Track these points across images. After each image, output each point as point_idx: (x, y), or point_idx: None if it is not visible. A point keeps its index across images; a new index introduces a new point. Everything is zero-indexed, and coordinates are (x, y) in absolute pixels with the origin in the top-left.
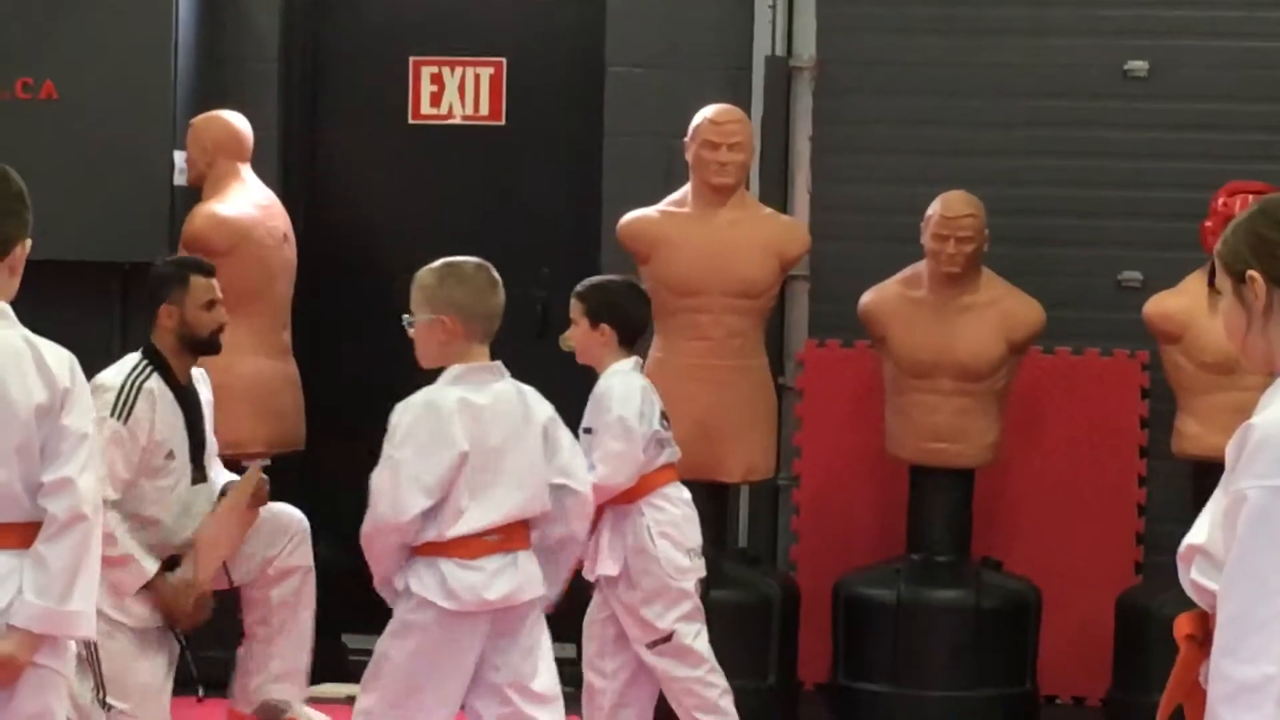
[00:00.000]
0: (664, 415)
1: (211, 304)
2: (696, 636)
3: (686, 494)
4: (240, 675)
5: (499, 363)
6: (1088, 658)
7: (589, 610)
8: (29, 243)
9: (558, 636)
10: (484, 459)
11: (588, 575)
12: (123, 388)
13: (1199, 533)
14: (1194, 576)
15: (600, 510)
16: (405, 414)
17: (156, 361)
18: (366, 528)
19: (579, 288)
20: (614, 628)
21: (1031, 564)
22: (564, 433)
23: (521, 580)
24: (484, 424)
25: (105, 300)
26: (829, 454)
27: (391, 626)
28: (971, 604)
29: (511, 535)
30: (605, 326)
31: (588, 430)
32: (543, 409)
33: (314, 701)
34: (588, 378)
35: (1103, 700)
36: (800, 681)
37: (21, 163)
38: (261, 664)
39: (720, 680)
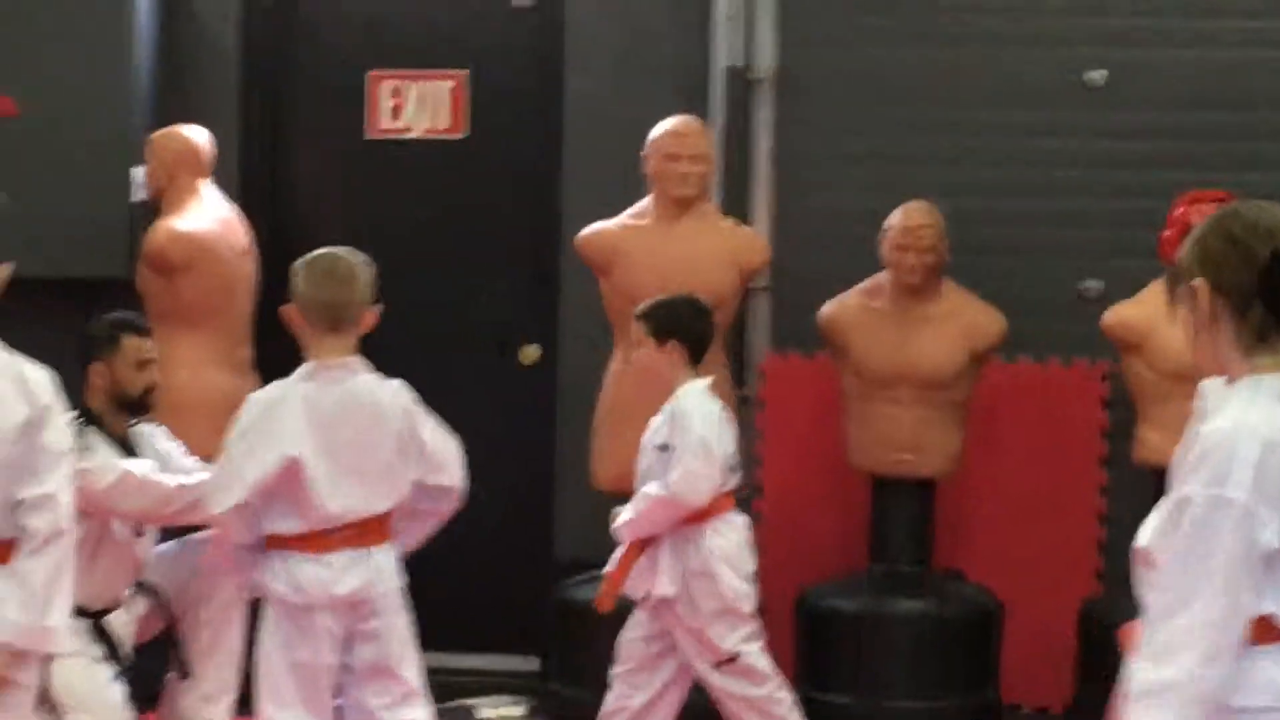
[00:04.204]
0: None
1: (143, 364)
2: (760, 655)
3: (743, 520)
4: (168, 699)
5: (356, 358)
6: (1050, 667)
7: (627, 628)
8: (9, 267)
9: (516, 650)
10: (334, 454)
11: (633, 594)
12: None
13: (1144, 534)
14: (1139, 585)
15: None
16: (248, 408)
17: (91, 419)
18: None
19: (641, 309)
20: (655, 646)
21: (993, 573)
22: (425, 427)
23: (373, 575)
24: (331, 420)
25: (64, 317)
26: (790, 465)
27: (262, 624)
28: (934, 614)
29: (366, 530)
30: (673, 344)
31: (663, 448)
32: (399, 403)
33: None
34: (546, 393)
35: (1065, 709)
36: None
37: None
38: (190, 686)
39: (787, 694)
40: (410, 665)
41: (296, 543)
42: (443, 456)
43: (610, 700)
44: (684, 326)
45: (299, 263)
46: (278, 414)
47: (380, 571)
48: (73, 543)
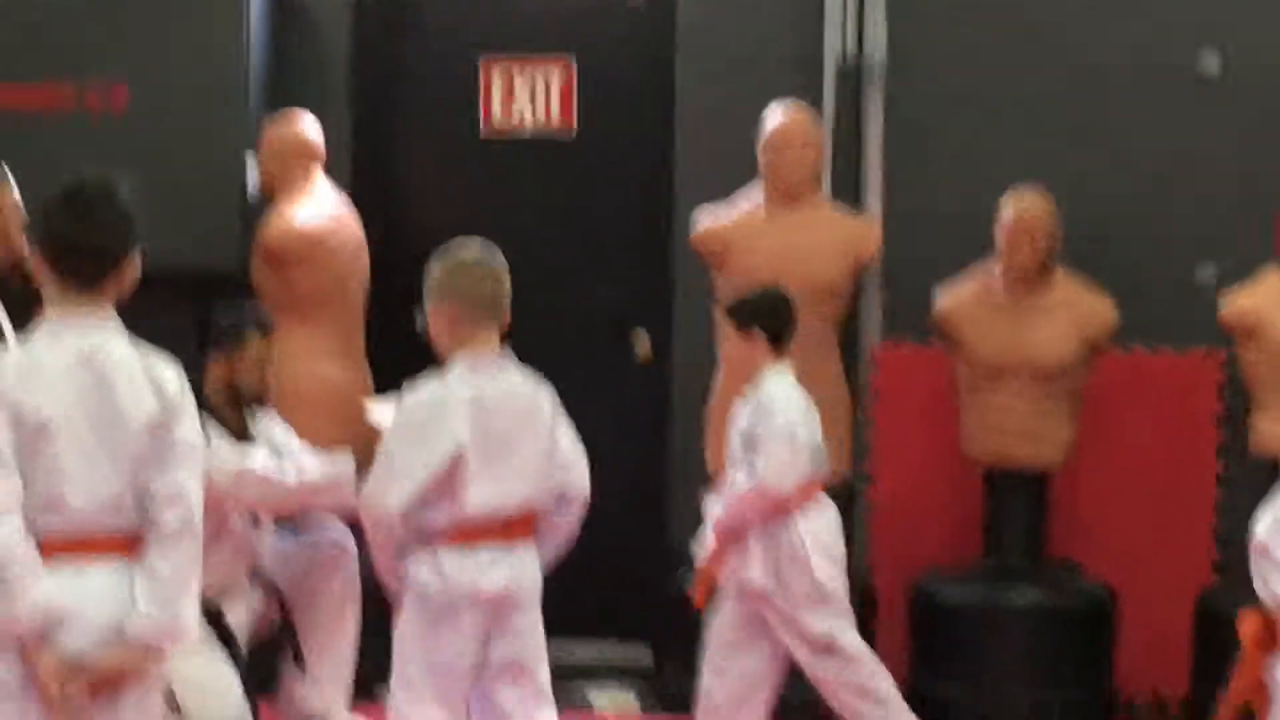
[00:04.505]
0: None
1: (262, 364)
2: (853, 637)
3: (832, 504)
4: (285, 690)
5: (508, 354)
6: (1166, 658)
7: (720, 614)
8: (136, 262)
9: (630, 638)
10: (488, 450)
11: (727, 582)
12: None
13: (1263, 525)
14: (1255, 574)
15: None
16: (408, 406)
17: (209, 410)
18: (363, 519)
19: (726, 303)
20: (744, 633)
21: (1108, 565)
22: (561, 431)
23: (517, 572)
24: (489, 415)
25: (179, 309)
26: (904, 455)
27: (401, 617)
28: (1048, 605)
29: (512, 527)
30: (755, 333)
31: (748, 435)
32: (547, 403)
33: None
34: (660, 386)
35: (1182, 701)
36: None
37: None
38: (307, 677)
39: (884, 671)
40: (543, 665)
41: (443, 536)
42: (572, 461)
43: (701, 689)
44: (764, 315)
45: (443, 260)
46: (442, 408)
47: (525, 568)
48: (200, 537)
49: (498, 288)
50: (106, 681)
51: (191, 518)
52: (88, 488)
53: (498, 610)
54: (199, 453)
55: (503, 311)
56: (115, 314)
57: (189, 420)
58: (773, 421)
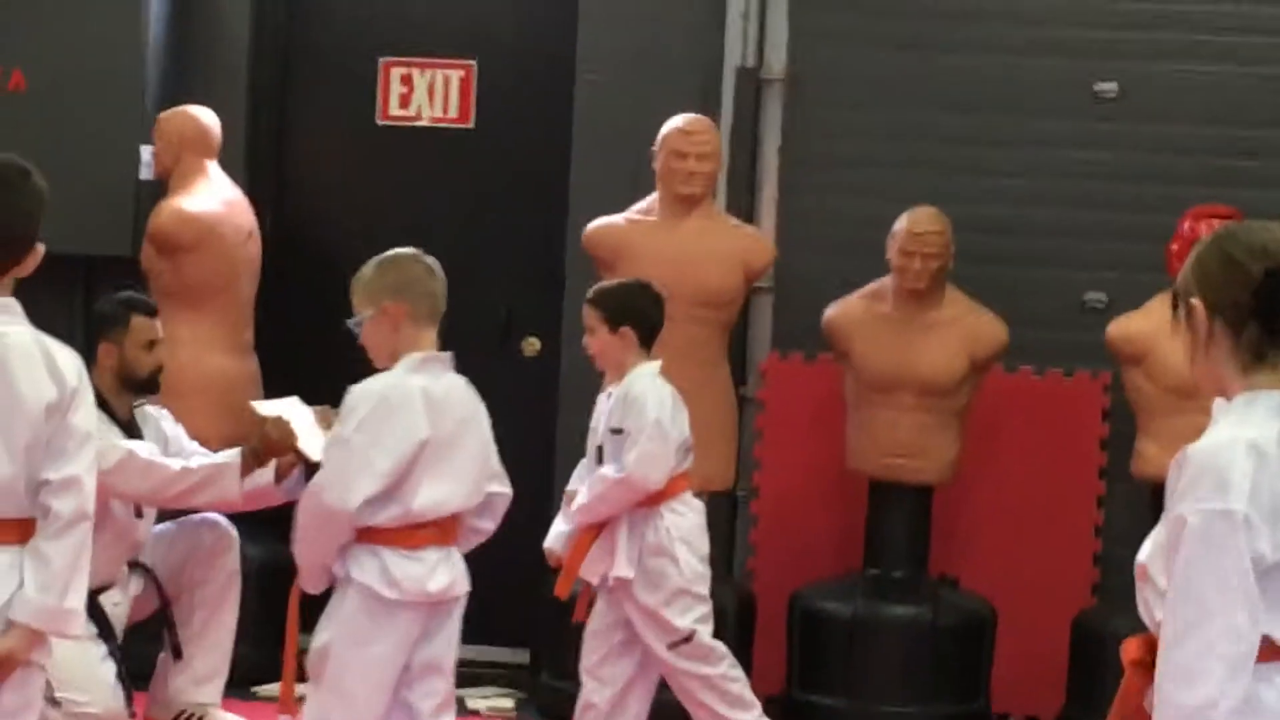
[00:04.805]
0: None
1: (151, 344)
2: (711, 638)
3: (699, 503)
4: (159, 680)
5: (449, 354)
6: (1042, 677)
7: (593, 618)
8: (40, 246)
9: (507, 641)
10: (438, 449)
11: (590, 577)
12: None
13: (1145, 550)
14: (1139, 599)
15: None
16: (363, 400)
17: (96, 399)
18: (306, 512)
19: (592, 293)
20: (620, 634)
21: (988, 582)
22: (489, 432)
23: (457, 574)
24: (439, 413)
25: (68, 294)
26: (789, 466)
27: (329, 616)
28: (927, 620)
29: (448, 528)
30: (626, 329)
31: (617, 431)
32: (480, 404)
33: (262, 700)
34: (547, 385)
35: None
36: (754, 693)
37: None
38: (181, 667)
39: (740, 673)
40: (453, 668)
41: (387, 536)
42: (501, 469)
43: (582, 695)
44: (637, 311)
45: (383, 260)
46: (398, 403)
47: (460, 570)
48: (91, 526)
49: (441, 287)
50: None
51: (85, 507)
52: None
53: (434, 612)
54: (94, 442)
55: (442, 311)
56: (14, 299)
57: (86, 409)
58: (643, 416)
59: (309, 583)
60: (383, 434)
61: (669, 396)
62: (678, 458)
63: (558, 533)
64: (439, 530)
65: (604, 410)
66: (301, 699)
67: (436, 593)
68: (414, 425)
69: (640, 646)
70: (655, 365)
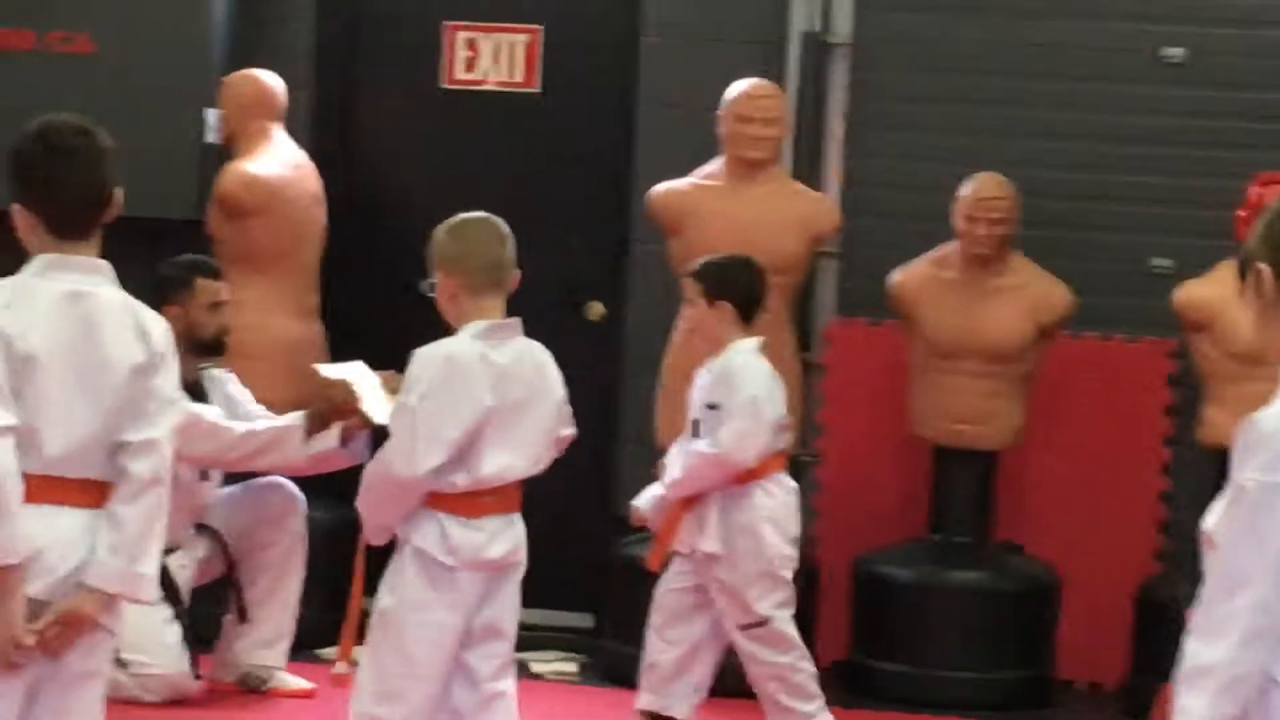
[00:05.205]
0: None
1: (216, 306)
2: (789, 622)
3: (793, 483)
4: (224, 643)
5: (517, 320)
6: (1105, 644)
7: (665, 580)
8: (118, 192)
9: (571, 605)
10: (504, 415)
11: (680, 547)
12: None
13: (1212, 518)
14: (1205, 568)
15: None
16: (427, 366)
17: None
18: (374, 476)
19: (693, 266)
20: (691, 599)
21: (1052, 549)
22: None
23: (517, 541)
24: (503, 382)
25: (134, 256)
26: (853, 432)
27: (389, 581)
28: (991, 586)
29: (510, 495)
30: (723, 303)
31: (712, 406)
32: (555, 369)
33: (327, 663)
34: (612, 349)
35: (1118, 687)
36: (817, 658)
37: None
38: (246, 630)
39: (809, 665)
40: (514, 632)
41: (450, 502)
42: (568, 417)
43: (646, 655)
44: (736, 285)
45: (449, 226)
46: (462, 370)
47: (520, 536)
48: (167, 491)
49: (506, 254)
50: (58, 627)
51: (162, 471)
52: (65, 430)
53: (494, 577)
54: (176, 407)
55: (509, 277)
56: (105, 260)
57: (170, 373)
58: (739, 393)
59: (374, 537)
60: (448, 402)
61: (766, 374)
62: (772, 436)
63: (650, 495)
64: (501, 497)
65: (701, 385)
66: (357, 662)
67: (495, 560)
68: (479, 393)
69: (712, 613)
70: (755, 341)
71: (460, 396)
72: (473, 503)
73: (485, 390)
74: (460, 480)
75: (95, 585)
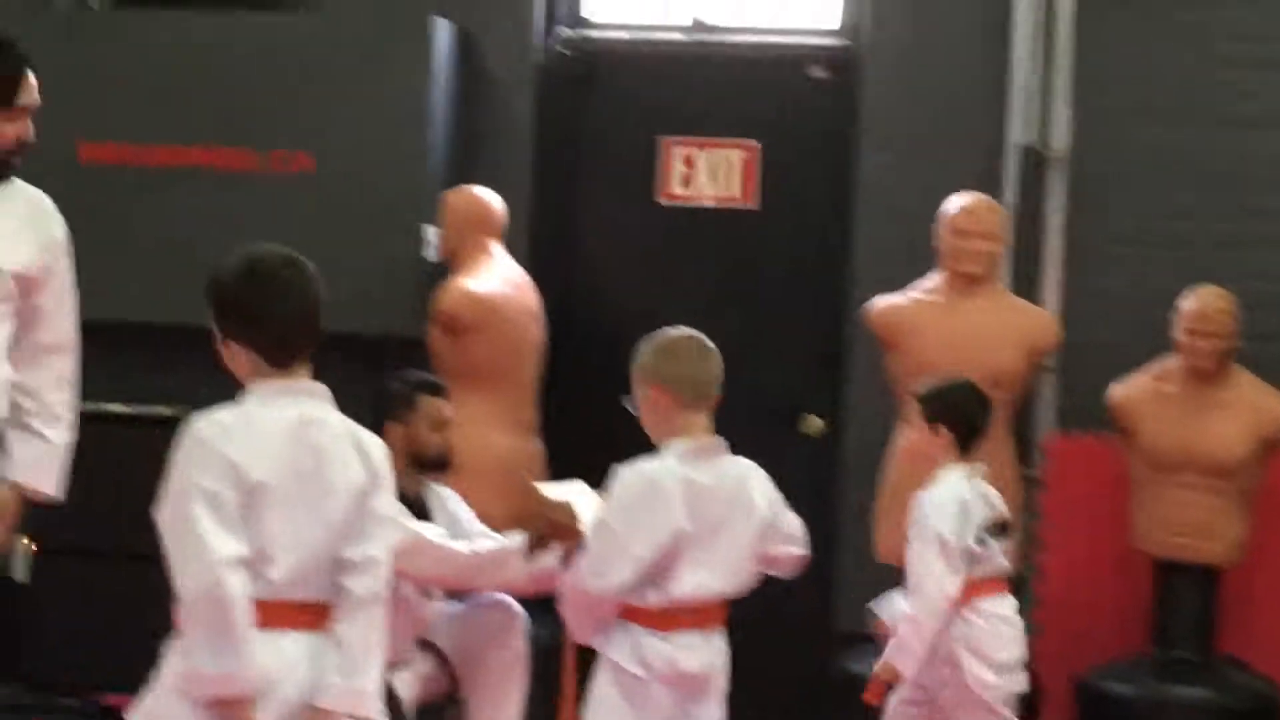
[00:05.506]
0: (994, 527)
1: (441, 425)
2: None
3: (1005, 609)
4: None
5: (721, 440)
6: None
7: (895, 692)
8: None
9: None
10: (700, 535)
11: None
12: None
13: None
14: None
15: None
16: (626, 485)
17: None
18: (570, 588)
19: (920, 389)
20: (918, 711)
21: (1277, 664)
22: (785, 513)
23: (714, 656)
24: (704, 500)
25: (355, 374)
26: (1073, 547)
27: (591, 695)
28: (1217, 702)
29: (709, 613)
30: (942, 429)
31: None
32: (766, 489)
33: None
34: (826, 465)
35: None
36: None
37: (276, 234)
38: None
39: None
40: None
41: (645, 617)
42: (795, 532)
43: None
44: (957, 411)
45: (658, 343)
46: (661, 490)
47: (719, 654)
48: (386, 608)
49: (713, 370)
50: None
51: (381, 588)
52: (294, 555)
53: (691, 693)
54: (394, 525)
55: (714, 393)
56: (324, 375)
57: (388, 493)
58: (925, 531)
59: (578, 637)
60: (642, 522)
61: (958, 500)
62: (965, 564)
63: (893, 605)
64: (698, 614)
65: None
66: None
67: (690, 673)
68: (674, 515)
69: None
70: (962, 470)
71: (654, 517)
72: (669, 618)
73: (680, 512)
74: (653, 598)
75: (323, 705)
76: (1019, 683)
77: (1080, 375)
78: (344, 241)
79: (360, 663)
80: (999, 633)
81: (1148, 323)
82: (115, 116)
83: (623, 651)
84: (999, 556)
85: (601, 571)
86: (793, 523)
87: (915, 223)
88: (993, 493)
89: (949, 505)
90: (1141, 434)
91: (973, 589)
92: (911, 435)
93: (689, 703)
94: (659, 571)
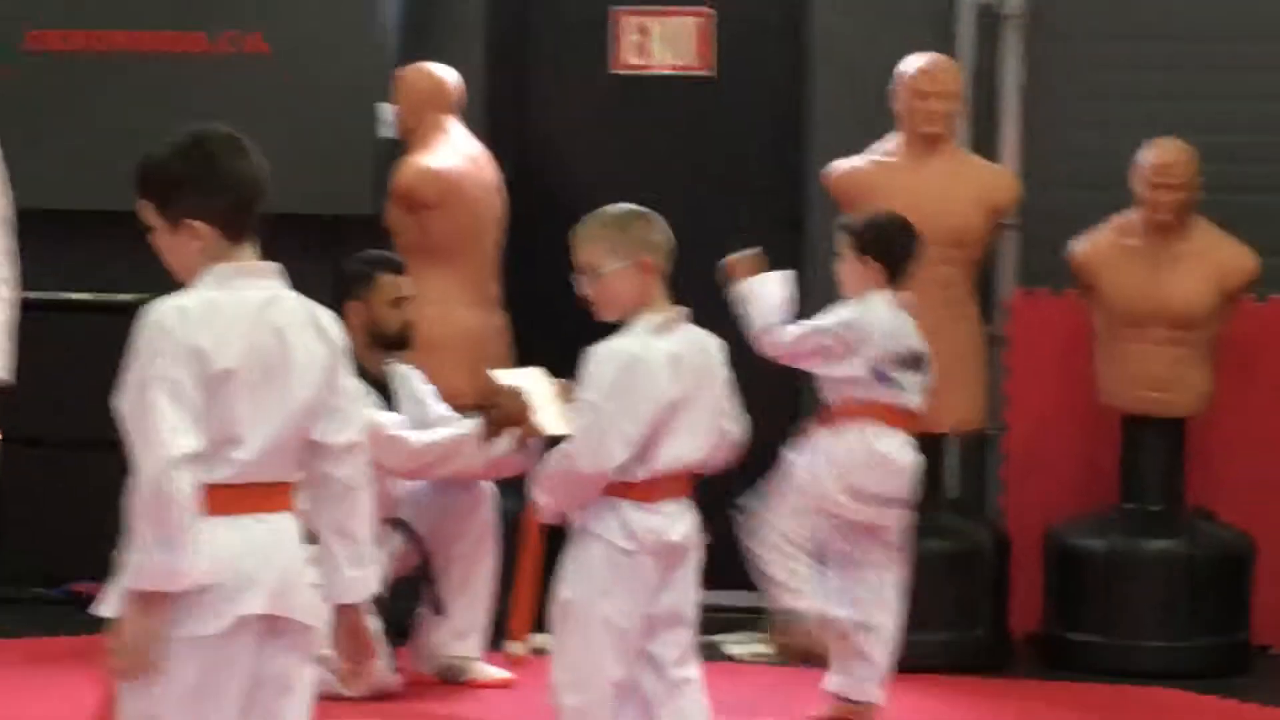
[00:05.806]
0: (908, 358)
1: (400, 301)
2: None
3: (888, 445)
4: (420, 635)
5: (686, 309)
6: None
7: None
8: None
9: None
10: (679, 405)
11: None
12: None
13: None
14: None
15: None
16: (609, 363)
17: None
18: (557, 470)
19: (848, 221)
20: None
21: (1245, 514)
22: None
23: (692, 525)
24: (681, 373)
25: (312, 254)
26: (1037, 403)
27: (568, 572)
28: (1185, 553)
29: (684, 481)
30: (870, 260)
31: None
32: (721, 356)
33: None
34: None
35: None
36: (1010, 631)
37: (230, 116)
38: (442, 622)
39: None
40: (694, 618)
41: (628, 490)
42: (736, 413)
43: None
44: (888, 244)
45: (620, 221)
46: (645, 365)
47: (694, 521)
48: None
49: (669, 240)
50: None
51: (366, 469)
52: (261, 436)
53: (671, 562)
54: (363, 401)
55: (669, 265)
56: (281, 256)
57: (350, 369)
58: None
59: (546, 517)
60: (632, 400)
61: (889, 319)
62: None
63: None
64: (676, 483)
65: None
66: (542, 650)
67: (675, 543)
68: (660, 388)
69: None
70: (889, 295)
71: (643, 395)
72: (650, 489)
73: (666, 385)
74: (638, 470)
75: (349, 601)
76: (893, 519)
77: (1042, 232)
78: (299, 122)
79: (366, 550)
80: (869, 459)
81: (1108, 178)
82: (63, 3)
83: (609, 527)
84: (909, 390)
85: (594, 452)
86: (734, 405)
87: (871, 85)
88: (911, 326)
89: (883, 318)
90: (1104, 289)
91: (866, 410)
92: (843, 269)
93: (671, 573)
94: (644, 445)
